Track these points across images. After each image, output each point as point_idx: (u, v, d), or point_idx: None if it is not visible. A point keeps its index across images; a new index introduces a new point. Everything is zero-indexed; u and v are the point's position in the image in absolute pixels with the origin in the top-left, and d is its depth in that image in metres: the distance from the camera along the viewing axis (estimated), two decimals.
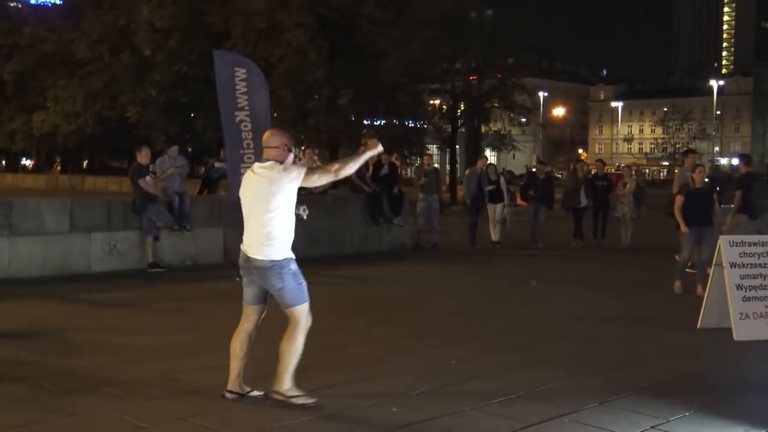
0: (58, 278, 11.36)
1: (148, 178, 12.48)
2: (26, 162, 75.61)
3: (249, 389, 5.69)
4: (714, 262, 8.53)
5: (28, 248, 11.57)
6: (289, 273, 5.43)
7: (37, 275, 11.40)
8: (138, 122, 40.13)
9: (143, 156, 12.68)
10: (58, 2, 55.76)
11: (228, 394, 5.64)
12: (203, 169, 27.05)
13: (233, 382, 5.64)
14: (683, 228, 10.86)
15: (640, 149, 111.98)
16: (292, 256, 5.49)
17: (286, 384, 5.51)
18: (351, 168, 5.50)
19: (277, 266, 5.41)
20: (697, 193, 10.98)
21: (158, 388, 6.00)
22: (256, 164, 5.62)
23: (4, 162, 72.68)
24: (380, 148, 5.59)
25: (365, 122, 38.49)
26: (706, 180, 11.69)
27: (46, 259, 11.70)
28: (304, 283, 5.50)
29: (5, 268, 11.32)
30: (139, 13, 37.63)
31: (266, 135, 5.65)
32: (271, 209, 5.40)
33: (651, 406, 5.70)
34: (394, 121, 38.12)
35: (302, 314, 5.50)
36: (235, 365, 5.63)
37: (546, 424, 5.30)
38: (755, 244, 8.54)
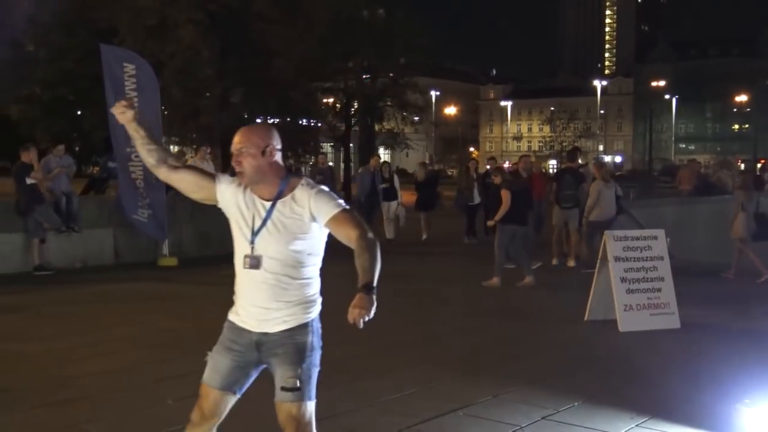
0: None
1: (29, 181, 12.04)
2: None
3: None
4: (599, 256, 8.84)
5: None
6: None
7: None
8: (20, 120, 38.71)
9: (29, 155, 12.20)
10: None
11: None
12: (95, 168, 26.34)
13: None
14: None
15: (529, 147, 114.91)
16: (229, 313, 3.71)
17: None
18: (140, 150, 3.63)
19: None
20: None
21: (46, 395, 5.81)
22: None
23: None
24: (127, 115, 3.53)
25: (258, 120, 38.17)
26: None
27: None
28: (209, 356, 3.66)
29: None
30: (21, 6, 36.30)
31: None
32: None
33: (542, 397, 5.87)
34: (288, 119, 37.95)
35: None
36: None
37: (442, 418, 5.39)
38: (638, 239, 8.91)
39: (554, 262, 13.62)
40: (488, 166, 19.04)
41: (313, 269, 3.58)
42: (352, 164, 42.98)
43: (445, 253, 15.77)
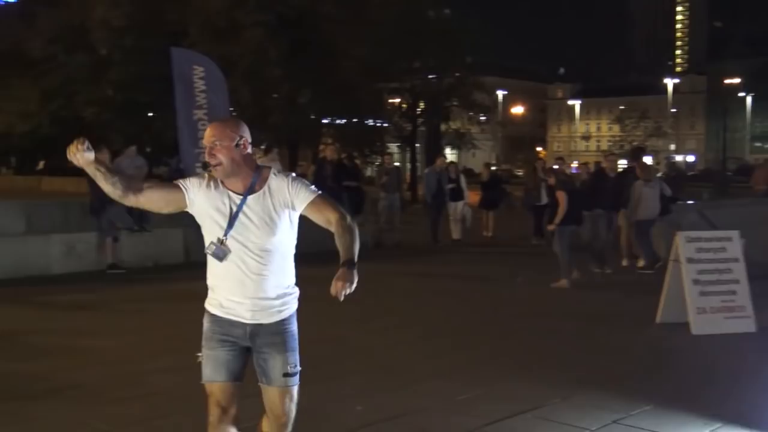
0: (15, 281, 11.15)
1: None
2: None
3: None
4: (671, 257, 8.65)
5: None
6: None
7: None
8: (95, 122, 39.65)
9: (101, 156, 12.50)
10: (11, 0, 54.89)
11: None
12: (167, 169, 26.81)
13: None
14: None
15: (598, 147, 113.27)
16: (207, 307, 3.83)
17: None
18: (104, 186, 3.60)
19: None
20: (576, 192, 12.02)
21: (120, 390, 5.94)
22: None
23: None
24: (86, 157, 3.54)
25: (325, 121, 38.43)
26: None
27: (2, 262, 11.50)
28: (203, 355, 3.70)
29: None
30: (94, 11, 37.22)
31: None
32: None
33: (612, 400, 5.77)
34: (354, 119, 38.13)
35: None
36: None
37: (511, 420, 5.34)
38: (711, 240, 8.69)
39: (624, 263, 13.41)
40: (555, 166, 18.86)
41: (291, 257, 3.69)
42: (418, 164, 42.95)
43: (513, 253, 15.65)
